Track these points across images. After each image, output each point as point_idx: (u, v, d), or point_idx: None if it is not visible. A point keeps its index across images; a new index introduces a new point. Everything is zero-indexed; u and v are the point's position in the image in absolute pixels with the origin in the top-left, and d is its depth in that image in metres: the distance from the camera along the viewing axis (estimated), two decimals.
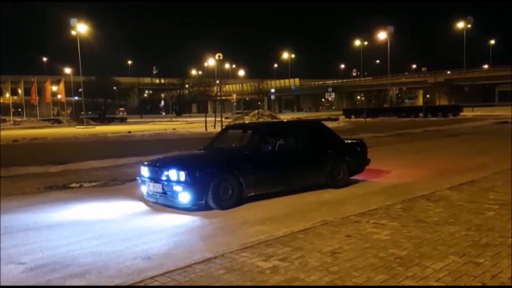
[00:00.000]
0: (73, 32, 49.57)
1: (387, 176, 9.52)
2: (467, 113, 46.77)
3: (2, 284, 3.99)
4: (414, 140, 19.46)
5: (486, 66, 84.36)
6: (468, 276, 3.75)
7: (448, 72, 79.25)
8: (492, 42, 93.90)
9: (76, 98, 75.97)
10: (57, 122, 53.97)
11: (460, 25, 79.91)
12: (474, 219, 5.60)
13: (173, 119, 59.09)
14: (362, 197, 7.52)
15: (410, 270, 3.94)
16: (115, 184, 9.58)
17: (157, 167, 7.28)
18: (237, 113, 37.31)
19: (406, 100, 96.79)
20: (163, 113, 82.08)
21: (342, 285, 3.66)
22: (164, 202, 7.06)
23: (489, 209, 6.06)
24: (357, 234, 5.07)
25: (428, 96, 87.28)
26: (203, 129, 27.76)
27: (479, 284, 3.58)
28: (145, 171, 7.46)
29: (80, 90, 60.65)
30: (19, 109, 78.80)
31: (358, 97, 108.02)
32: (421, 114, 44.89)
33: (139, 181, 7.56)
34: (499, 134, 21.40)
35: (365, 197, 7.53)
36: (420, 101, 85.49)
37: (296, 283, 3.71)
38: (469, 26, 79.39)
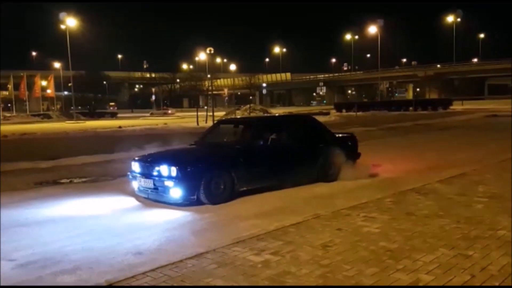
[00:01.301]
0: (63, 26, 49.14)
1: (377, 169, 9.56)
2: (456, 106, 47.15)
3: (2, 284, 3.97)
4: (404, 133, 19.57)
5: (475, 60, 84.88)
6: (458, 269, 3.80)
7: (438, 65, 79.63)
8: (482, 35, 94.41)
9: (65, 93, 75.36)
10: (46, 117, 53.56)
11: (450, 18, 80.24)
12: (464, 212, 5.65)
13: (164, 114, 58.86)
14: (353, 191, 7.56)
15: (400, 262, 3.97)
16: (106, 179, 9.55)
17: (148, 163, 7.25)
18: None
19: (397, 94, 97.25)
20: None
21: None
22: (156, 198, 7.04)
23: (479, 202, 6.12)
24: (348, 228, 5.10)
25: (418, 89, 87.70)
26: (194, 124, 27.70)
27: (469, 277, 3.62)
28: (136, 167, 7.43)
29: (69, 84, 60.18)
30: (9, 104, 78.05)
31: (349, 91, 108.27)
32: (411, 108, 45.22)
33: (130, 176, 7.53)
34: (488, 127, 21.61)
35: (356, 190, 7.57)
36: (410, 95, 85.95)
37: (288, 277, 3.73)
38: (458, 19, 79.75)
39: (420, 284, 3.52)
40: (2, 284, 3.98)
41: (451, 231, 4.86)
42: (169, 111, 62.39)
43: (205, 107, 36.21)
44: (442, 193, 6.75)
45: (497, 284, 3.48)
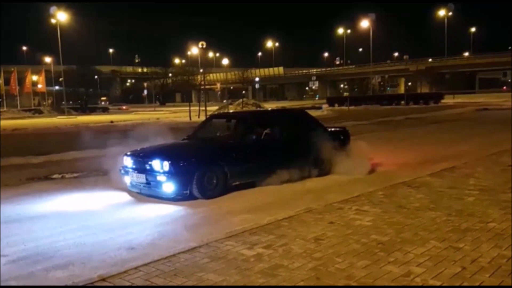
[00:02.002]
0: (53, 21, 48.64)
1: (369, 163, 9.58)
2: (448, 100, 47.41)
3: (2, 284, 3.93)
4: (396, 127, 19.66)
5: (467, 54, 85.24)
6: (449, 261, 3.83)
7: (430, 60, 79.83)
8: (473, 29, 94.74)
9: (57, 87, 74.74)
10: (38, 112, 53.12)
11: (442, 12, 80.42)
12: (455, 204, 5.70)
13: (156, 109, 58.68)
14: (345, 185, 7.59)
15: (391, 255, 4.00)
16: (98, 174, 9.49)
17: (141, 157, 7.23)
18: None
19: (388, 88, 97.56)
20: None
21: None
22: (148, 192, 7.03)
23: (469, 195, 6.18)
24: (340, 221, 5.13)
25: (410, 84, 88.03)
26: (187, 119, 27.65)
27: (460, 269, 3.66)
28: (128, 161, 7.41)
29: (60, 79, 59.73)
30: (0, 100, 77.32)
31: (342, 86, 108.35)
32: (403, 102, 45.40)
33: (122, 171, 7.50)
34: (479, 121, 21.75)
35: (348, 184, 7.60)
36: (402, 89, 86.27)
37: (280, 270, 3.74)
38: (450, 13, 79.96)
39: (411, 276, 3.56)
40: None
41: (442, 224, 4.90)
42: (124, 107, 66.29)
43: (198, 102, 36.16)
44: (433, 186, 6.80)
45: (487, 275, 3.52)
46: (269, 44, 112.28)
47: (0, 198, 7.06)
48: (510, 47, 71.76)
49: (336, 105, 48.76)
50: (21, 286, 3.96)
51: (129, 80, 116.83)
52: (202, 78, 40.71)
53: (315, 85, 66.84)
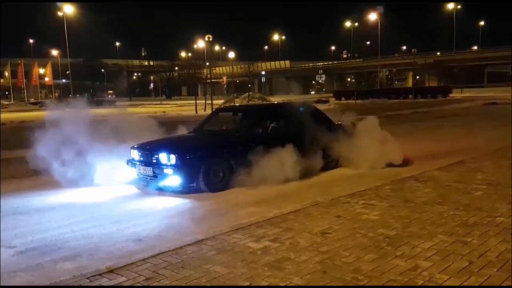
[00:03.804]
0: (60, 14, 48.76)
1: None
2: (456, 94, 47.12)
3: (2, 284, 3.96)
4: (403, 121, 19.53)
5: (475, 48, 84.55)
6: (456, 255, 3.82)
7: (438, 53, 79.26)
8: (482, 23, 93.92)
9: (63, 80, 75.00)
10: (45, 105, 53.34)
11: (450, 6, 79.73)
12: (462, 199, 5.67)
13: (162, 102, 58.79)
14: (351, 178, 7.57)
15: (399, 249, 3.99)
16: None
17: (147, 150, 7.24)
18: None
19: (396, 82, 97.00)
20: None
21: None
22: (155, 185, 7.04)
23: (477, 189, 6.14)
24: (346, 215, 5.12)
25: (417, 77, 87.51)
26: (193, 112, 27.67)
27: (467, 263, 3.65)
28: (135, 154, 7.43)
29: (67, 72, 59.91)
30: (6, 92, 77.72)
31: (349, 79, 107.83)
32: (410, 96, 45.19)
33: (129, 164, 7.52)
34: (487, 115, 21.59)
35: (355, 178, 7.58)
36: (409, 83, 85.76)
37: (287, 263, 3.75)
38: (459, 7, 79.26)
39: (419, 270, 3.55)
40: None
41: (450, 218, 4.88)
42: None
43: (204, 96, 36.18)
44: (440, 181, 6.76)
45: (495, 270, 3.50)
46: (276, 37, 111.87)
47: (0, 191, 7.09)
48: None
49: (343, 98, 48.61)
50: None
51: (135, 74, 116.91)
52: (208, 72, 40.72)
53: (321, 79, 66.64)
